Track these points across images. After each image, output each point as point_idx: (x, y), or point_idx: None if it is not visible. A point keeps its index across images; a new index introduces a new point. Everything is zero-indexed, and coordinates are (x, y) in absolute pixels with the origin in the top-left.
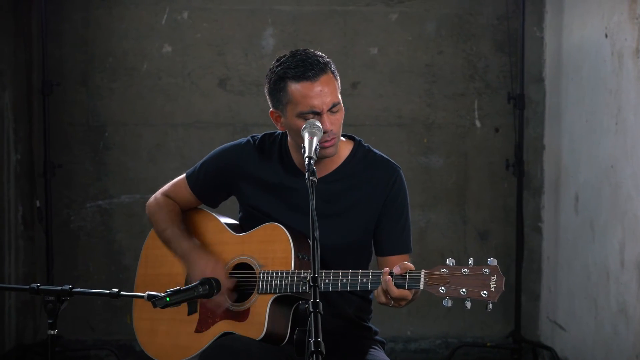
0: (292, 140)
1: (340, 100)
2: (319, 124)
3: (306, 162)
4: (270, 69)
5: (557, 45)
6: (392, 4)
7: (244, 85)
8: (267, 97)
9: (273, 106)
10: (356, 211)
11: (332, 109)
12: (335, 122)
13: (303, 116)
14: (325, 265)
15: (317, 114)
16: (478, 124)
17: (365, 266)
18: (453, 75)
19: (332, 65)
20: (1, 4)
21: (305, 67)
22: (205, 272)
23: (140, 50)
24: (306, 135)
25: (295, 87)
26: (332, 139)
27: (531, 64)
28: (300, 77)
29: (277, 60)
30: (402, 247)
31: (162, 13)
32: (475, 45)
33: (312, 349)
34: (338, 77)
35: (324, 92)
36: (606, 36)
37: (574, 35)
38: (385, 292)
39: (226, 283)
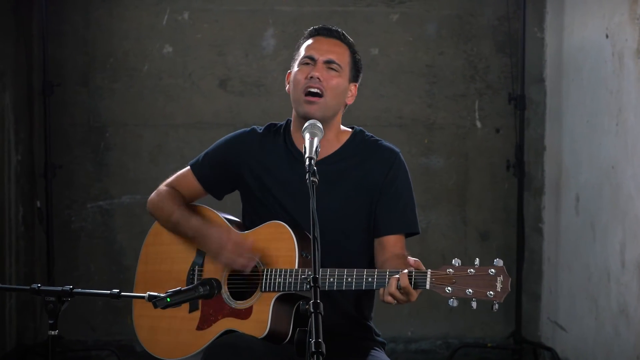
0: (292, 99)
1: (348, 73)
2: (320, 125)
3: (307, 163)
4: None
5: (558, 45)
6: (392, 5)
7: (244, 85)
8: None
9: (291, 66)
10: (357, 192)
11: (330, 65)
12: (327, 80)
13: (302, 62)
14: (328, 250)
15: (312, 61)
16: (479, 124)
17: (368, 254)
18: (454, 75)
19: (354, 47)
20: (2, 5)
21: (323, 27)
22: (222, 240)
23: (141, 51)
24: (307, 136)
25: (306, 41)
26: (317, 90)
27: (532, 65)
28: (316, 32)
29: None
30: (399, 227)
31: (163, 14)
32: (476, 46)
33: (313, 350)
34: (358, 62)
35: (327, 48)
36: (607, 37)
37: (575, 35)
38: (397, 288)
39: (246, 243)
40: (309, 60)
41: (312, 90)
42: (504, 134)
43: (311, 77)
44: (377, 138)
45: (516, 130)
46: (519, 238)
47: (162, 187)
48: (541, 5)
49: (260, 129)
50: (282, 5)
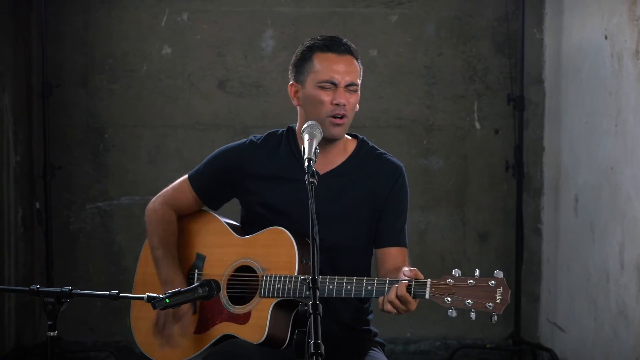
0: (306, 114)
1: (359, 85)
2: (319, 127)
3: (306, 164)
4: (299, 46)
5: (557, 46)
6: (391, 6)
7: (243, 86)
8: (291, 70)
9: (294, 79)
10: (362, 205)
11: (350, 87)
12: (349, 102)
13: (321, 85)
14: (330, 260)
15: (334, 85)
16: (478, 125)
17: (367, 264)
18: (453, 76)
19: (359, 57)
20: (0, 5)
21: (334, 42)
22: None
23: (140, 52)
24: (306, 137)
25: (321, 57)
26: (343, 115)
27: (531, 66)
28: (328, 48)
29: (307, 39)
30: (401, 241)
31: (162, 15)
32: (474, 47)
33: (312, 351)
34: (362, 70)
35: (346, 69)
36: (606, 38)
37: (574, 36)
38: (396, 296)
39: (185, 327)
40: (330, 84)
41: (339, 115)
42: (503, 135)
43: (337, 104)
44: (382, 151)
45: (515, 131)
46: (517, 239)
47: (159, 205)
48: (540, 6)
49: (258, 139)
50: (281, 6)
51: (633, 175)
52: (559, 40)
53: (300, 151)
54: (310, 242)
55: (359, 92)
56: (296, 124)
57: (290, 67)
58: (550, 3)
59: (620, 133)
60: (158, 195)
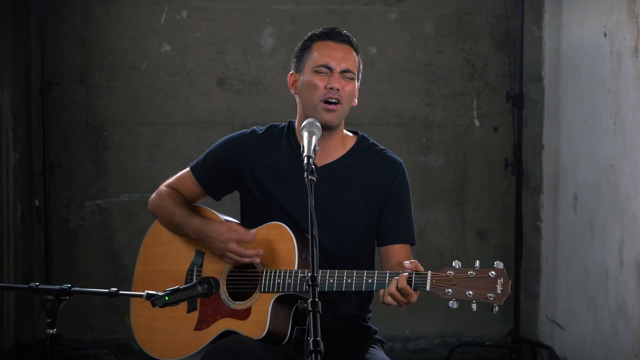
0: (302, 102)
1: (357, 76)
2: (318, 124)
3: (305, 162)
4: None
5: (556, 44)
6: (391, 3)
7: (242, 84)
8: (292, 60)
9: (294, 68)
10: (361, 198)
11: (345, 74)
12: (344, 89)
13: (317, 70)
14: (331, 255)
15: (329, 70)
16: (477, 123)
17: (370, 258)
18: (452, 74)
19: (359, 51)
20: (0, 3)
21: (333, 32)
22: (222, 236)
23: (139, 50)
24: (305, 134)
25: (319, 44)
26: (337, 101)
27: (530, 63)
28: (327, 36)
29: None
30: (403, 237)
31: (161, 12)
32: (474, 45)
33: (311, 348)
34: (361, 64)
35: (342, 55)
36: (605, 35)
37: (573, 34)
38: (397, 289)
39: (248, 237)
40: (326, 69)
41: (332, 100)
42: (502, 133)
43: (331, 88)
44: (382, 147)
45: (514, 129)
46: (517, 236)
47: (163, 187)
48: (539, 3)
49: (260, 130)
50: (280, 3)
51: (632, 172)
52: (558, 38)
53: (300, 147)
54: (307, 234)
55: (356, 83)
56: (296, 119)
57: (292, 59)
58: (550, 1)
59: (619, 131)
60: (159, 186)
